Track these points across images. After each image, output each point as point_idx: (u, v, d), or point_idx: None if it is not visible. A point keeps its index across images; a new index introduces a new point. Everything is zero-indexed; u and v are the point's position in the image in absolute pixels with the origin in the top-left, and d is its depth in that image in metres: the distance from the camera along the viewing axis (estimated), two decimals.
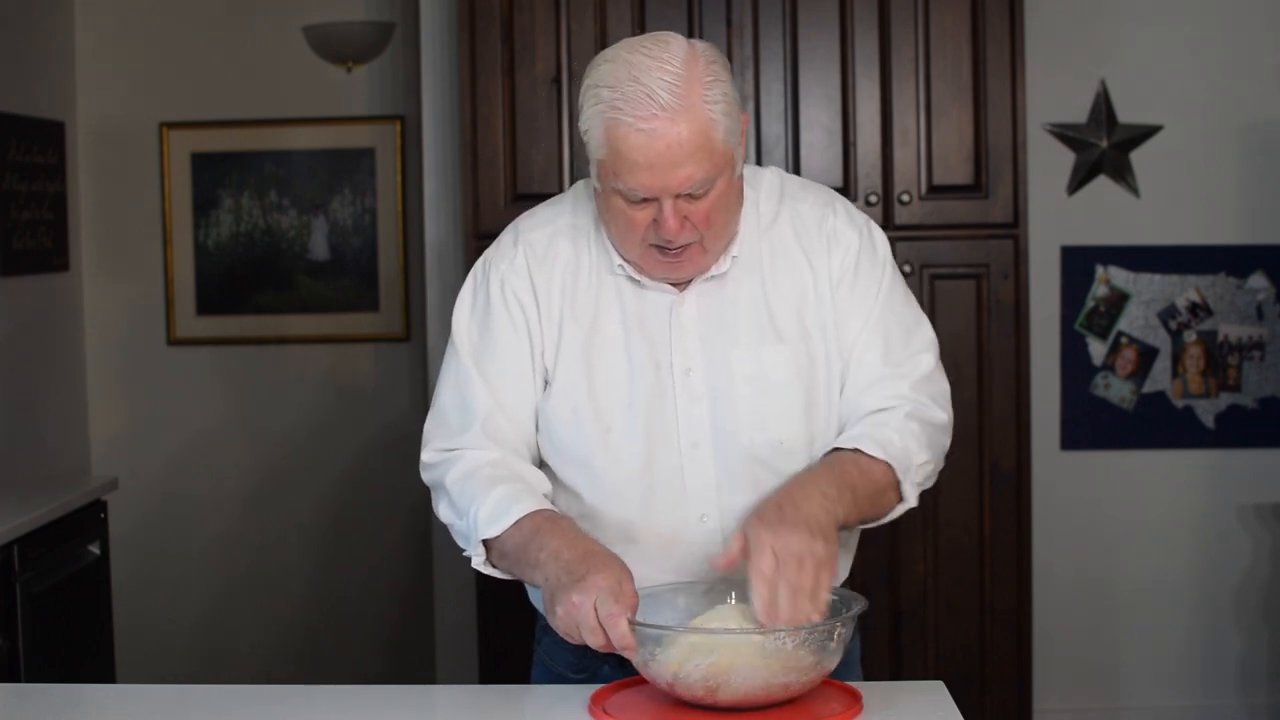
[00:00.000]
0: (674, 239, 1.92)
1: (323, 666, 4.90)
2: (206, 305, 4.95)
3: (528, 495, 1.96)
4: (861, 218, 2.11)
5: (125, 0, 4.90)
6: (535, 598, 2.09)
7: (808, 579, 1.77)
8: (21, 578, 3.48)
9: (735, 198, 1.98)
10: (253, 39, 4.88)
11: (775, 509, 1.82)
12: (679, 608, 1.92)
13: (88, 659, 3.84)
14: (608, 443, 2.02)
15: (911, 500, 2.00)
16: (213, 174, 4.91)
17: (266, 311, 4.94)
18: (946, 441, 2.07)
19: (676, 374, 2.01)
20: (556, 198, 2.16)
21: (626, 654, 1.79)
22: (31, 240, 4.54)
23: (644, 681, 1.86)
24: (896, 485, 1.97)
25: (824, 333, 2.04)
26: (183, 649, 4.95)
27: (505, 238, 2.12)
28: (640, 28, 3.57)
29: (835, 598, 1.87)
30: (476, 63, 3.59)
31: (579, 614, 1.78)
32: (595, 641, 1.78)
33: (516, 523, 1.92)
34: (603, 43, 3.58)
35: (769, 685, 1.77)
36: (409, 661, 4.88)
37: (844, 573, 2.13)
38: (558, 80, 3.60)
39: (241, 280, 4.94)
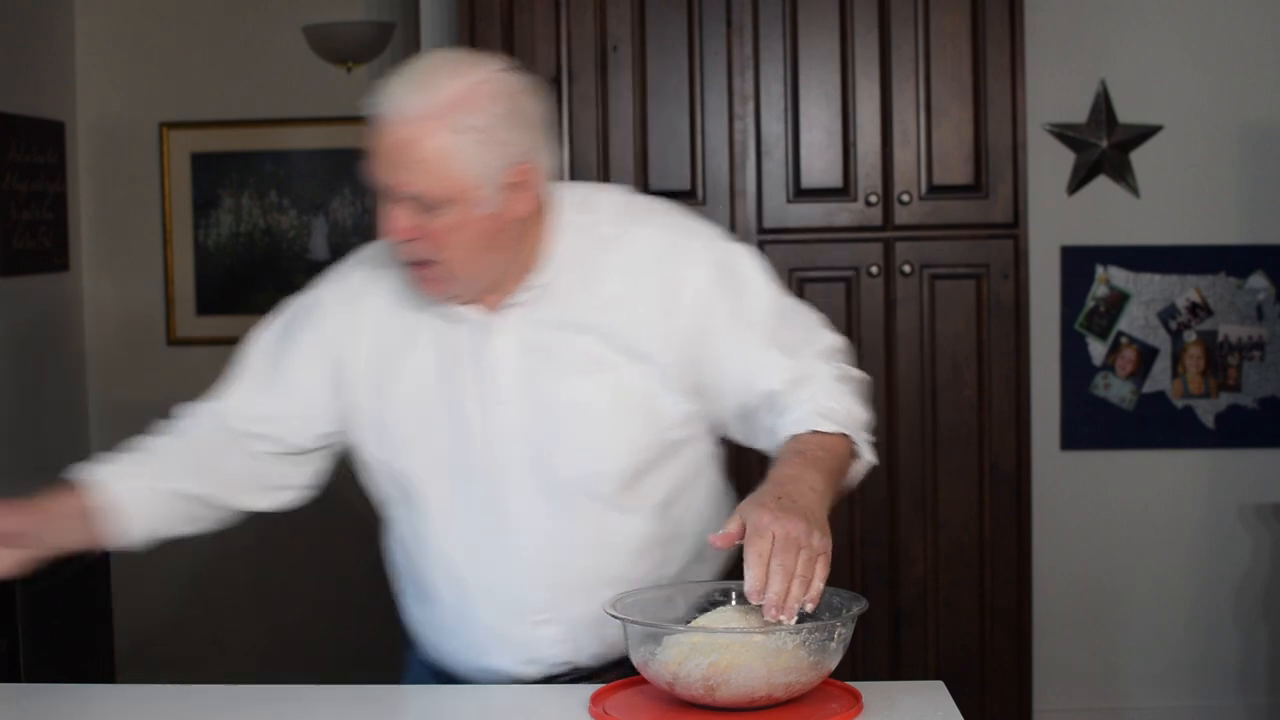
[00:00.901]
0: (395, 240, 1.91)
1: (323, 666, 4.89)
2: (206, 305, 4.95)
3: (110, 463, 2.16)
4: (715, 241, 2.03)
5: (125, 0, 4.90)
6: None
7: (803, 565, 1.75)
8: (21, 578, 3.48)
9: (485, 237, 1.90)
10: (253, 39, 4.88)
11: (774, 498, 1.79)
12: (679, 608, 1.92)
13: (88, 659, 3.84)
14: (425, 476, 2.02)
15: (870, 456, 1.95)
16: (213, 174, 4.91)
17: (266, 311, 4.90)
18: (867, 395, 2.03)
19: (489, 404, 1.98)
20: None
21: None
22: (31, 240, 4.54)
23: (644, 681, 1.86)
24: (853, 450, 1.93)
25: (656, 363, 1.97)
26: (183, 649, 4.95)
27: (346, 261, 2.17)
28: (640, 28, 3.57)
29: (836, 598, 1.87)
30: None
31: None
32: None
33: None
34: (603, 43, 3.58)
35: (769, 685, 1.77)
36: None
37: None
38: (558, 80, 3.60)
39: (241, 280, 4.93)
